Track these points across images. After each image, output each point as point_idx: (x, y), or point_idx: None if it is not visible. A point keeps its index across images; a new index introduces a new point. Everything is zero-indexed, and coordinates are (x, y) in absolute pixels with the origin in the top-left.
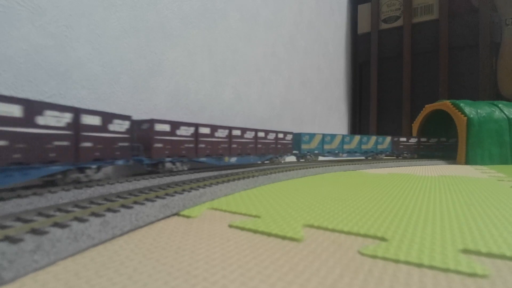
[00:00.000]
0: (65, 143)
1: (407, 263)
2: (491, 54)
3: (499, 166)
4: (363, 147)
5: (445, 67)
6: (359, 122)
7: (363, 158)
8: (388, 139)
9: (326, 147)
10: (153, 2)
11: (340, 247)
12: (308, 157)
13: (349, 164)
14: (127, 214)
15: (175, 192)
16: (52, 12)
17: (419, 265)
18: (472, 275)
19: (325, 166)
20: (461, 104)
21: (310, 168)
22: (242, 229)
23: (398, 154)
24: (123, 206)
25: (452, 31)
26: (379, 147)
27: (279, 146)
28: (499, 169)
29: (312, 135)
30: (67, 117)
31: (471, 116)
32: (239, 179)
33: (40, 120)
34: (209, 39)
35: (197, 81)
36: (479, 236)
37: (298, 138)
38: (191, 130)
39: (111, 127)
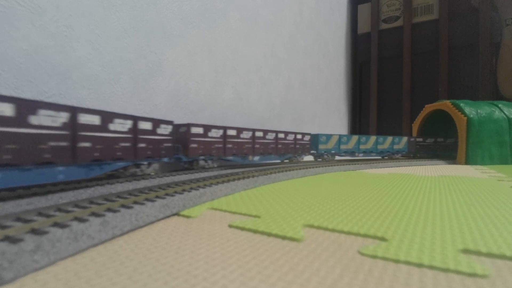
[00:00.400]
0: (127, 144)
1: (407, 263)
2: (491, 54)
3: (499, 166)
4: (379, 147)
5: (445, 67)
6: (359, 122)
7: (379, 158)
8: (405, 139)
9: (343, 147)
10: (153, 2)
11: (340, 247)
12: (325, 156)
13: (349, 164)
14: (127, 214)
15: (175, 192)
16: (52, 12)
17: (419, 265)
18: (472, 275)
19: (325, 166)
20: (461, 104)
21: (310, 168)
22: (242, 229)
23: (414, 154)
24: (123, 206)
25: (452, 31)
26: (395, 147)
27: (297, 146)
28: (499, 169)
29: (329, 136)
30: (128, 123)
31: (471, 116)
32: (239, 179)
33: (111, 126)
34: (209, 39)
35: (197, 81)
36: (479, 236)
37: (315, 138)
38: (220, 132)
39: (159, 130)
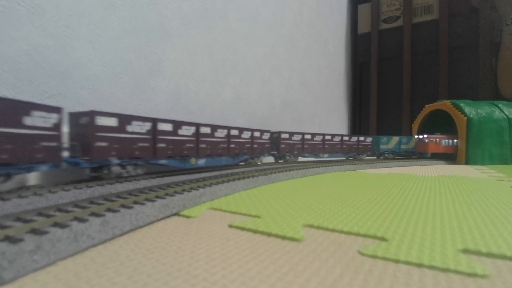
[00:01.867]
0: (248, 145)
1: (407, 263)
2: (491, 54)
3: (499, 166)
4: None
5: (445, 67)
6: (359, 122)
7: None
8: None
9: (403, 147)
10: (153, 2)
11: (340, 247)
12: (386, 155)
13: (349, 164)
14: (127, 214)
15: (175, 192)
16: (52, 12)
17: (419, 265)
18: (472, 275)
19: (325, 166)
20: (461, 104)
21: (310, 168)
22: (242, 229)
23: None
24: (123, 206)
25: (452, 31)
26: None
27: (360, 146)
28: (499, 169)
29: (389, 138)
30: (249, 133)
31: (471, 116)
32: (239, 179)
33: (242, 135)
34: (209, 39)
35: (197, 81)
36: (479, 236)
37: (377, 140)
38: (300, 136)
39: (263, 136)
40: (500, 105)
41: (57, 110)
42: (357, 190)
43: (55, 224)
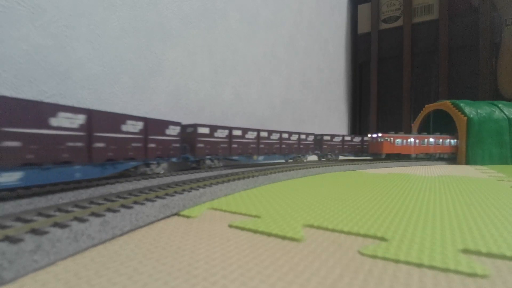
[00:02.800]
0: (296, 146)
1: (407, 263)
2: (491, 54)
3: (499, 166)
4: None
5: (445, 67)
6: (359, 122)
7: None
8: None
9: None
10: (153, 2)
11: (340, 247)
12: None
13: (349, 164)
14: (127, 214)
15: (175, 192)
16: (52, 12)
17: (419, 265)
18: (472, 275)
19: (325, 166)
20: (461, 104)
21: (310, 168)
22: (242, 229)
23: None
24: (123, 206)
25: (452, 31)
26: None
27: None
28: (499, 169)
29: None
30: (296, 136)
31: (471, 116)
32: (239, 179)
33: (291, 137)
34: (209, 39)
35: (197, 81)
36: (479, 236)
37: None
38: (340, 138)
39: (308, 138)
40: (500, 105)
41: (179, 124)
42: (357, 190)
43: (55, 224)
